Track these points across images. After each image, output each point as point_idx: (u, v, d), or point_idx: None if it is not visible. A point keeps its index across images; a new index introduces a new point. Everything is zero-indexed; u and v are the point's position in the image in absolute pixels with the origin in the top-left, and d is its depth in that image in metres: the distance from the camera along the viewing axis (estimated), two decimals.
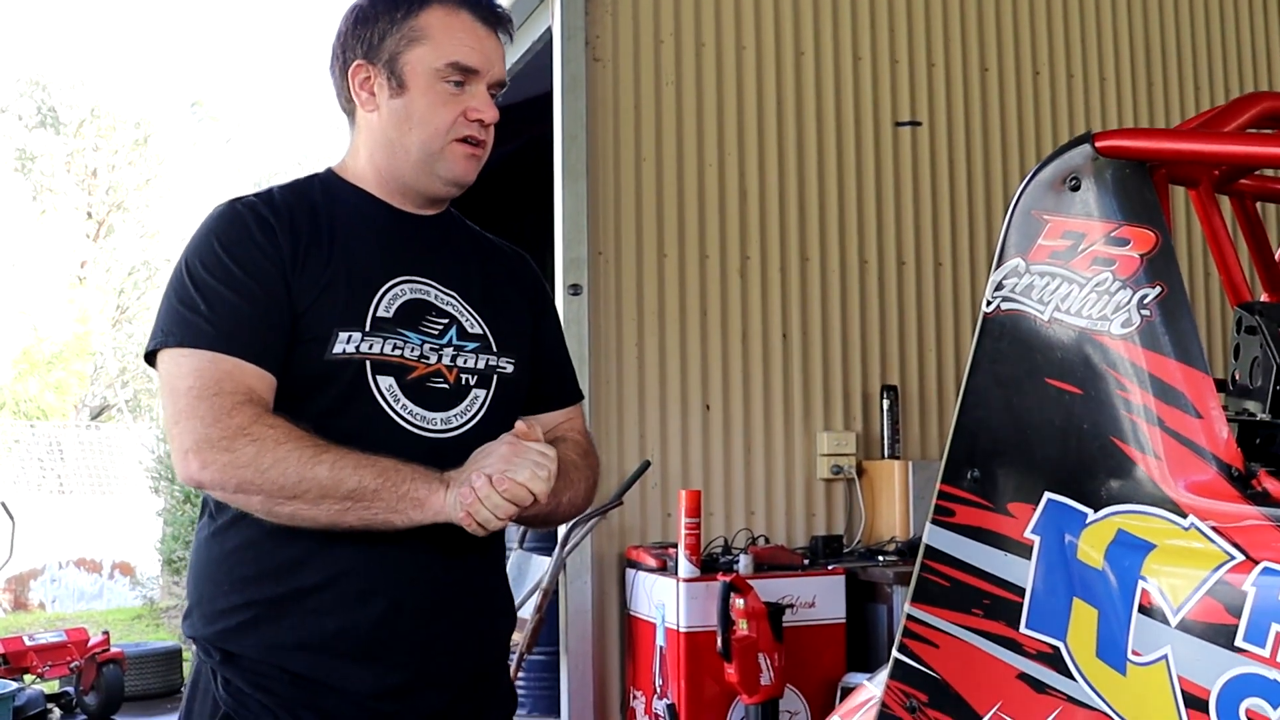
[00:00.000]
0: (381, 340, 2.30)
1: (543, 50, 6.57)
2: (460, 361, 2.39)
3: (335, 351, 2.26)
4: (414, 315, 2.37)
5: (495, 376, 2.44)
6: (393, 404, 2.29)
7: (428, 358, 2.35)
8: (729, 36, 6.60)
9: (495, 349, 2.45)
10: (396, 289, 2.37)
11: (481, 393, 2.41)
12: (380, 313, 2.33)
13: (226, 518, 2.30)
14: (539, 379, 2.59)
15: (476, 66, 2.38)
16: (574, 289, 6.01)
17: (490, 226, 2.65)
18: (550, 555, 5.54)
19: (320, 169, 2.54)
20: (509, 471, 2.16)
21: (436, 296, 2.42)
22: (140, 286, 30.10)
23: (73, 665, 9.00)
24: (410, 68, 2.37)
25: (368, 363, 2.28)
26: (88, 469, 22.37)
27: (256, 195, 2.39)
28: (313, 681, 2.25)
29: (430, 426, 2.33)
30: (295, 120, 43.17)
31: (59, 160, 29.34)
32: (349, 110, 2.49)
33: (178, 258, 2.34)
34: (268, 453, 2.12)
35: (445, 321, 2.40)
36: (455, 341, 2.39)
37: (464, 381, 2.39)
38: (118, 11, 39.65)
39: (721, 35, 6.58)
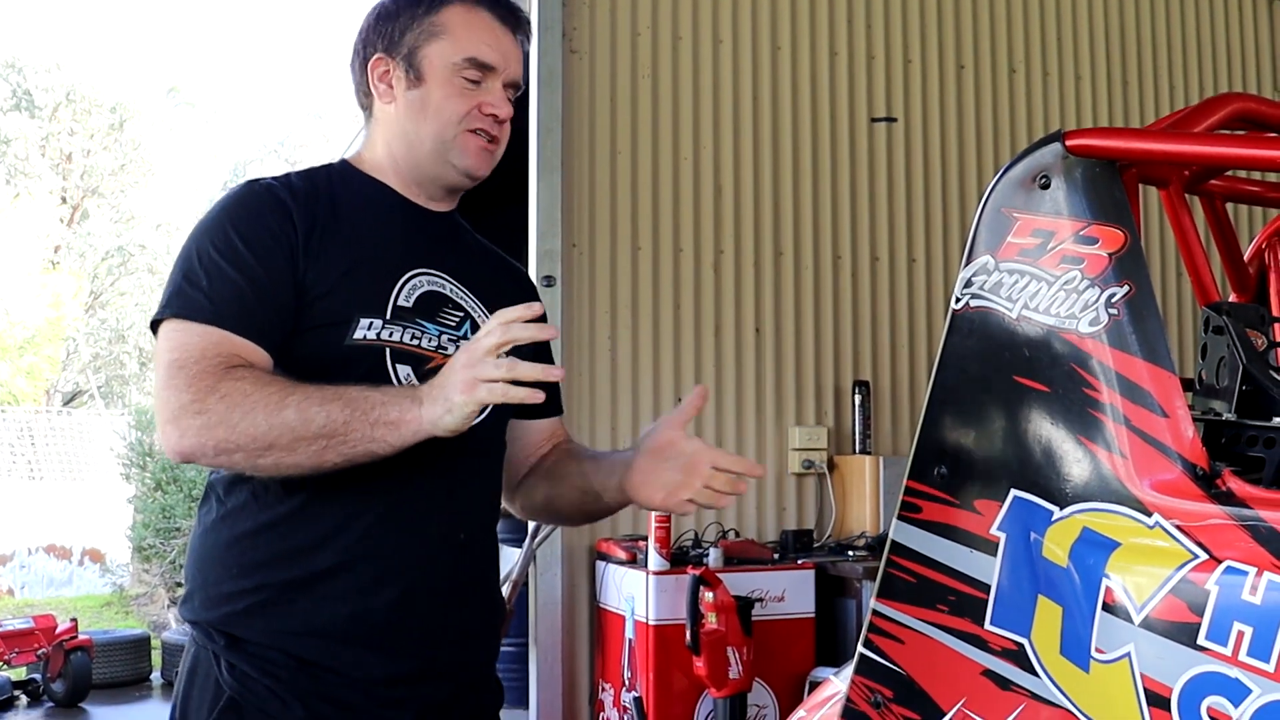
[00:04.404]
0: (401, 329, 2.32)
1: None
2: None
3: (356, 337, 2.27)
4: (431, 306, 2.39)
5: None
6: None
7: (445, 348, 2.36)
8: (706, 30, 6.60)
9: None
10: (415, 279, 2.39)
11: None
12: (400, 301, 2.35)
13: (236, 502, 2.30)
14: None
15: (493, 63, 2.41)
16: (548, 281, 6.00)
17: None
18: (520, 547, 5.54)
19: (334, 160, 2.57)
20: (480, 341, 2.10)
21: (451, 290, 2.44)
22: (114, 272, 30.03)
23: (40, 652, 8.97)
24: (429, 61, 2.40)
25: (387, 350, 2.30)
26: (59, 455, 22.30)
27: (275, 178, 2.41)
28: (321, 667, 2.25)
29: None
30: (273, 106, 43.11)
31: (34, 144, 29.21)
32: (366, 104, 2.52)
33: (189, 233, 2.35)
34: (236, 407, 2.09)
35: (460, 315, 2.43)
36: (469, 335, 2.40)
37: None
38: None
39: (698, 29, 6.58)
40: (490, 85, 2.42)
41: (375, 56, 2.45)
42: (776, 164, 6.68)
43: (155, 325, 2.27)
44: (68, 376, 29.17)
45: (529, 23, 2.55)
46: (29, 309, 27.01)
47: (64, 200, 30.11)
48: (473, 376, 2.06)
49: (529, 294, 2.73)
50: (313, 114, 36.62)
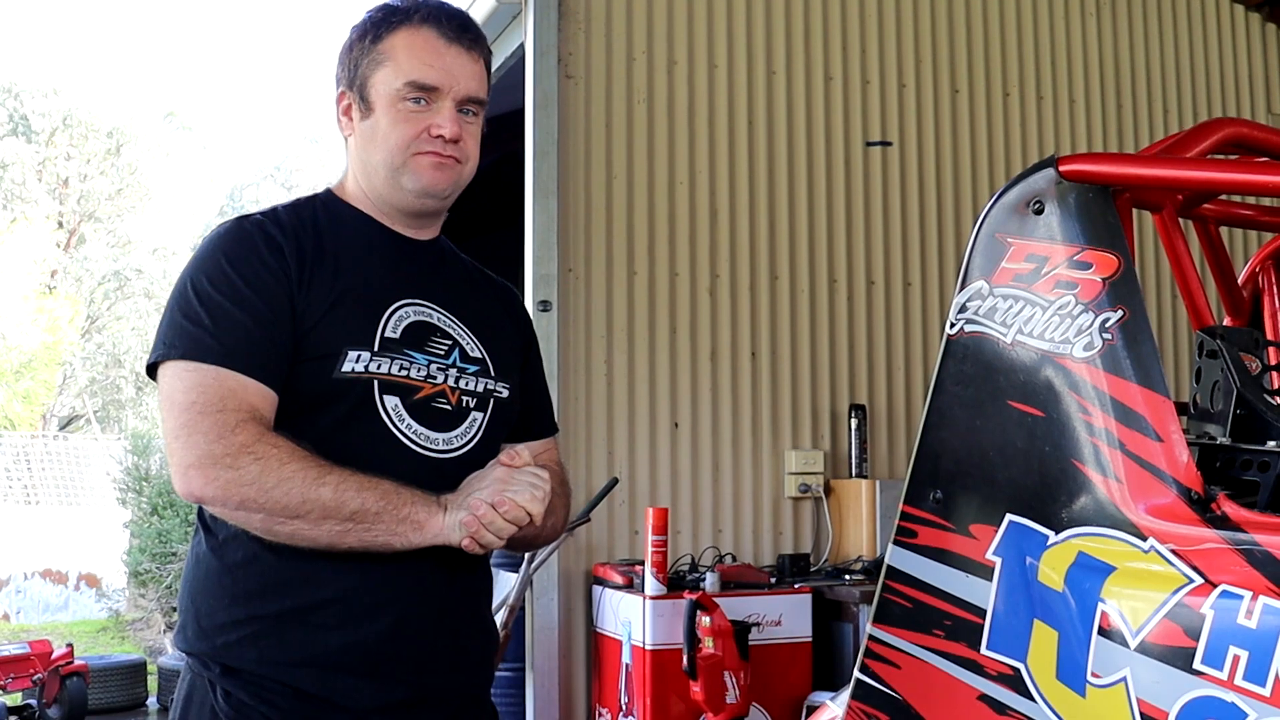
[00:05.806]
0: (389, 360, 2.33)
1: (515, 66, 6.56)
2: (462, 384, 2.42)
3: (344, 370, 2.28)
4: (419, 336, 2.40)
5: (492, 400, 2.47)
6: (398, 423, 2.32)
7: (434, 378, 2.38)
8: (701, 55, 6.61)
9: (493, 373, 2.49)
10: (402, 310, 2.40)
11: (480, 415, 2.44)
12: (388, 333, 2.35)
13: (228, 532, 2.30)
14: (522, 410, 2.61)
15: (435, 83, 2.39)
16: (543, 305, 6.00)
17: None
18: (517, 572, 5.52)
19: (319, 189, 2.58)
20: (508, 493, 2.21)
21: (439, 319, 2.45)
22: (111, 296, 30.01)
23: (36, 677, 8.93)
24: (375, 90, 2.41)
25: (375, 382, 2.31)
26: (55, 480, 22.25)
27: (262, 214, 2.42)
28: (316, 697, 2.26)
29: (433, 446, 2.36)
30: (269, 131, 43.19)
31: (30, 169, 29.22)
32: (342, 135, 2.53)
33: (181, 273, 2.36)
34: (272, 472, 2.14)
35: (449, 344, 2.44)
36: (458, 364, 2.43)
37: (465, 404, 2.42)
38: (92, 20, 39.57)
39: (693, 54, 6.59)
40: (439, 105, 2.40)
41: (340, 90, 2.48)
42: (772, 188, 6.69)
43: (156, 364, 2.27)
44: (64, 401, 29.13)
45: (481, 35, 2.52)
46: (25, 333, 26.99)
47: (61, 225, 30.11)
48: (481, 522, 2.20)
49: (519, 316, 2.73)
50: (309, 139, 36.67)
